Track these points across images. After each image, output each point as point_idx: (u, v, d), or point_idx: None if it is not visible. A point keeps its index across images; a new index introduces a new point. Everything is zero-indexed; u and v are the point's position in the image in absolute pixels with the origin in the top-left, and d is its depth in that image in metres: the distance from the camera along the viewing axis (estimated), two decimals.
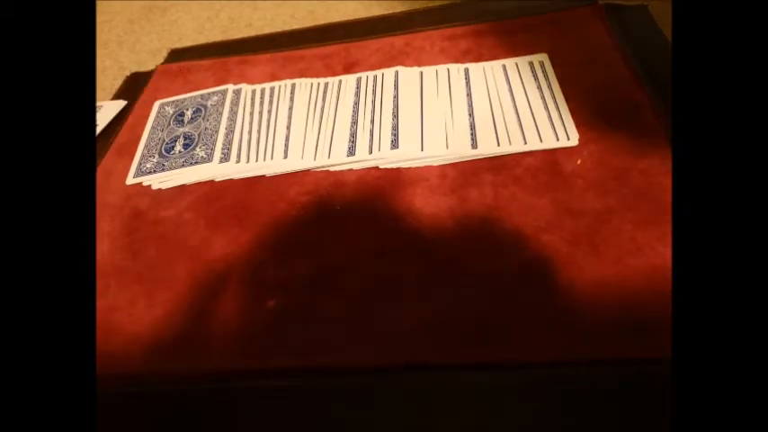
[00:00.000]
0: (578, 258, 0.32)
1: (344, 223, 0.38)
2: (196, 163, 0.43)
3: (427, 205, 0.37)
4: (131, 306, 0.36)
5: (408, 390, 0.29)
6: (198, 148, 0.44)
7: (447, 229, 0.36)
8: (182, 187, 0.44)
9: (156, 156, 0.45)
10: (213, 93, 0.51)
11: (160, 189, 0.44)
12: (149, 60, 0.63)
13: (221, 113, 0.48)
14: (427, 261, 0.34)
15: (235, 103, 0.49)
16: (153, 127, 0.49)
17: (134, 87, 0.58)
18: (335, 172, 0.42)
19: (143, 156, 0.46)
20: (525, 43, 0.49)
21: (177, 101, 0.52)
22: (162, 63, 0.61)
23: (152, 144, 0.47)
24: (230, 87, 0.51)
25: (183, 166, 0.44)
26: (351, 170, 0.41)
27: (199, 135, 0.46)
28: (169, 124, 0.48)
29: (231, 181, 0.43)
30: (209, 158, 0.43)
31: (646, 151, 0.37)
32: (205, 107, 0.49)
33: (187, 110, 0.50)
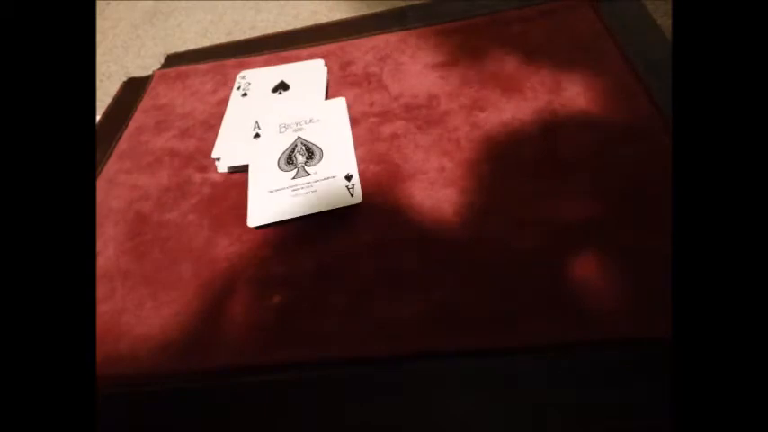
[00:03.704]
0: (577, 243, 0.32)
1: (346, 218, 0.38)
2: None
3: (428, 198, 0.38)
4: (139, 308, 0.36)
5: (412, 377, 0.29)
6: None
7: (447, 220, 0.36)
8: (184, 190, 0.44)
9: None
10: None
11: (168, 190, 0.45)
12: (155, 65, 0.63)
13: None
14: (429, 252, 0.34)
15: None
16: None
17: (131, 93, 0.59)
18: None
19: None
20: (518, 35, 0.49)
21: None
22: (159, 68, 0.62)
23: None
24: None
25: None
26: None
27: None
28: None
29: (232, 182, 0.44)
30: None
31: (641, 136, 0.37)
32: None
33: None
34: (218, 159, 0.45)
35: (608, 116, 0.40)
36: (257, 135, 0.43)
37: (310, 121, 0.44)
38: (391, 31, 0.55)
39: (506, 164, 0.38)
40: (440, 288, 0.32)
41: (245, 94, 0.52)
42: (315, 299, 0.34)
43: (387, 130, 0.44)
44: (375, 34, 0.55)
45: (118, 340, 0.35)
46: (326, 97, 0.50)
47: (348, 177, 0.38)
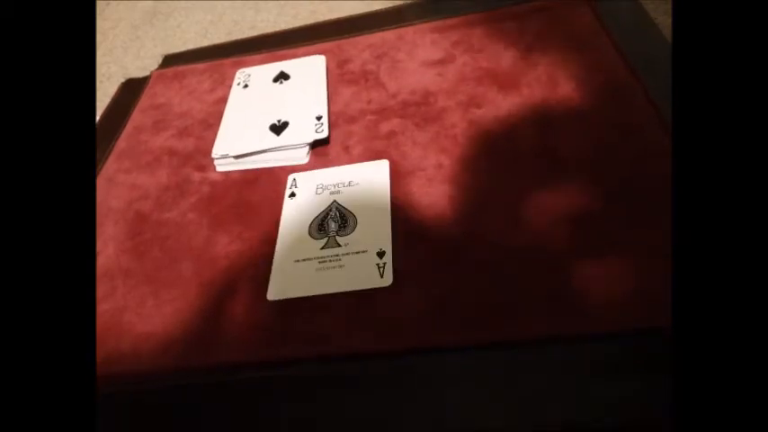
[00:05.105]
0: (576, 237, 0.33)
1: None
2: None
3: (425, 195, 0.38)
4: (140, 306, 0.37)
5: (412, 372, 0.30)
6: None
7: (445, 216, 0.36)
8: (183, 189, 0.44)
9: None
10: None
11: (168, 189, 0.45)
12: (154, 66, 0.63)
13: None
14: (427, 248, 0.35)
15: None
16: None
17: (130, 93, 0.59)
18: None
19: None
20: (514, 31, 0.50)
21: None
22: (156, 69, 0.62)
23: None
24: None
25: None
26: (350, 163, 0.42)
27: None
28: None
29: (231, 181, 0.44)
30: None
31: (638, 133, 0.38)
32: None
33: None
34: (218, 158, 0.45)
35: (604, 113, 0.40)
36: (293, 194, 0.41)
37: (349, 183, 0.41)
38: (388, 29, 0.55)
39: (503, 160, 0.39)
40: (437, 284, 0.33)
41: (246, 86, 0.53)
42: (315, 296, 0.34)
43: (384, 127, 0.44)
44: (372, 32, 0.56)
45: (119, 339, 0.35)
46: (327, 91, 0.49)
47: (380, 254, 0.35)
